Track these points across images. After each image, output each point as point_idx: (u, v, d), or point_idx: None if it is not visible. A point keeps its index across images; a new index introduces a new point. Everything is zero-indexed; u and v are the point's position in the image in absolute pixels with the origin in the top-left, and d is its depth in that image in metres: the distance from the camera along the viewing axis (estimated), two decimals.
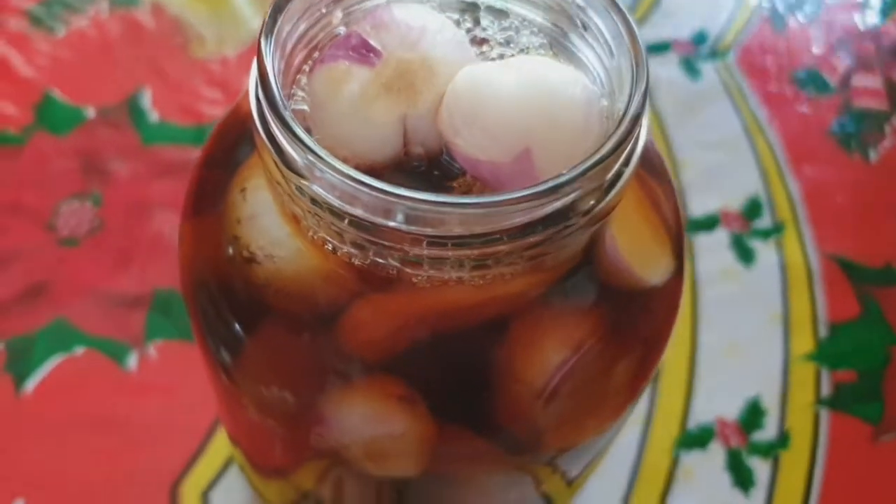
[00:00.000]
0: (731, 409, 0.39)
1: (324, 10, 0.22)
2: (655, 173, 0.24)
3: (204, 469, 0.36)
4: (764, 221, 0.44)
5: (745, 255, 0.43)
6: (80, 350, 0.38)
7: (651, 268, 0.22)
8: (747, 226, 0.44)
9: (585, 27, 0.21)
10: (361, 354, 0.21)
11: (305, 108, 0.21)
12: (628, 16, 0.20)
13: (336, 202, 0.18)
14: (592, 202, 0.19)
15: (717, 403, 0.39)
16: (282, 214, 0.20)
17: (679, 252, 0.23)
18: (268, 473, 0.29)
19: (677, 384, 0.39)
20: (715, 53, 0.50)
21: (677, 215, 0.24)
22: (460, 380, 0.21)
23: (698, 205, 0.44)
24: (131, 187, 0.42)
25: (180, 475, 0.36)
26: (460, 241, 0.18)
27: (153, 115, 0.44)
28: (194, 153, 0.40)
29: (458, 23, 0.23)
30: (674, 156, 0.45)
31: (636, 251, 0.22)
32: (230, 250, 0.22)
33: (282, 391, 0.21)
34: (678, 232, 0.23)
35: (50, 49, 0.46)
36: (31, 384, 0.37)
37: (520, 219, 0.18)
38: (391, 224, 0.18)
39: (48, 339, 0.38)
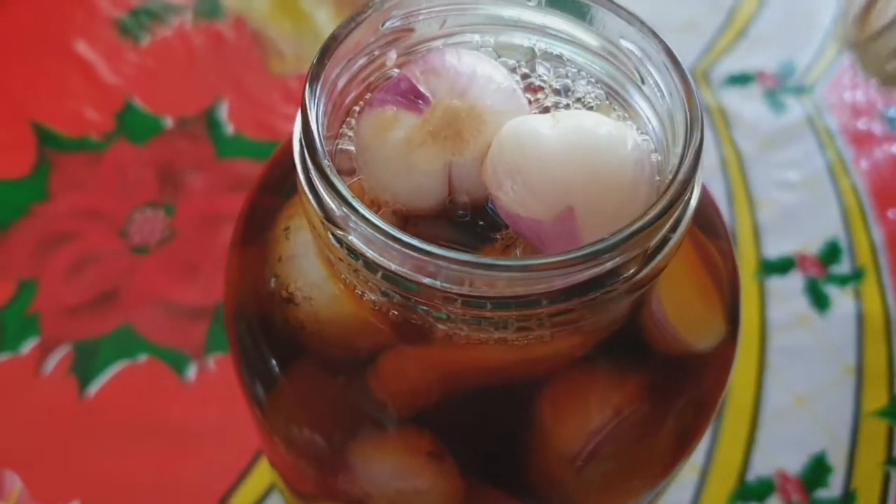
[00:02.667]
0: (793, 464, 0.37)
1: (377, 53, 0.21)
2: (711, 230, 0.23)
3: (252, 486, 0.36)
4: (842, 267, 0.42)
5: (820, 301, 0.41)
6: (143, 357, 0.39)
7: (700, 333, 0.21)
8: (824, 271, 0.42)
9: (643, 80, 0.21)
10: (392, 405, 0.20)
11: (353, 148, 0.21)
12: (686, 73, 0.20)
13: (371, 254, 0.18)
14: (634, 269, 0.18)
15: (780, 457, 0.37)
16: (320, 258, 0.20)
17: (732, 316, 0.22)
18: (303, 499, 0.29)
19: (738, 434, 0.38)
20: (801, 88, 0.48)
21: (733, 276, 0.23)
22: (492, 439, 0.20)
23: (773, 247, 0.42)
24: (203, 199, 0.42)
25: (229, 489, 0.36)
26: (494, 302, 0.18)
27: (229, 128, 0.45)
28: None
29: (513, 69, 0.22)
30: (751, 194, 0.44)
31: (684, 316, 0.21)
32: (271, 287, 0.22)
33: (311, 433, 0.21)
34: (733, 294, 0.23)
35: (134, 58, 0.47)
36: (94, 387, 0.38)
37: (557, 283, 0.18)
38: (424, 281, 0.18)
39: (114, 344, 0.39)
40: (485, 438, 0.20)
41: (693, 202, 0.19)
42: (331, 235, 0.18)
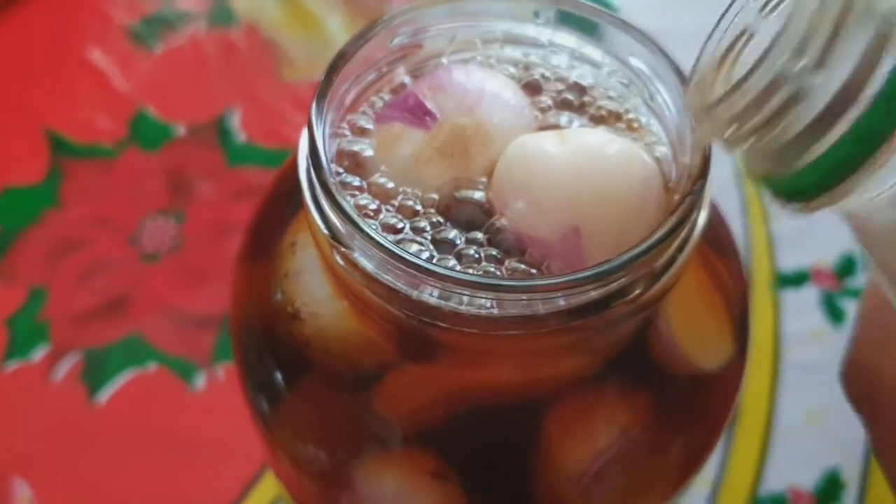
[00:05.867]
0: (806, 480, 0.37)
1: (385, 69, 0.21)
2: (720, 247, 0.23)
3: (260, 497, 0.36)
4: (858, 280, 0.41)
5: (836, 314, 0.41)
6: (152, 366, 0.39)
7: (708, 353, 0.21)
8: (839, 284, 0.41)
9: (652, 97, 0.21)
10: (397, 424, 0.20)
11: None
12: (686, 73, 0.19)
13: (373, 270, 0.18)
14: (641, 289, 0.18)
15: (793, 472, 0.37)
16: (326, 275, 0.20)
17: (741, 334, 0.22)
18: None
19: (750, 449, 0.37)
20: None
21: (742, 294, 0.23)
22: (497, 459, 0.20)
23: (788, 259, 0.42)
24: (213, 207, 0.42)
25: (236, 499, 0.36)
26: (497, 321, 0.18)
27: (240, 136, 0.45)
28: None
29: (521, 85, 0.22)
30: (765, 207, 0.43)
31: (692, 335, 0.21)
32: (277, 302, 0.22)
33: (315, 449, 0.21)
34: (742, 312, 0.22)
35: (147, 66, 0.47)
36: (103, 396, 0.38)
37: (561, 303, 0.17)
38: (425, 299, 0.18)
39: (123, 352, 0.39)
40: (490, 458, 0.20)
41: (701, 221, 0.19)
42: (335, 253, 0.18)
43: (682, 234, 0.18)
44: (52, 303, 0.40)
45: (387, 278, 0.18)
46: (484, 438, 0.20)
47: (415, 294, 0.18)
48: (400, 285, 0.18)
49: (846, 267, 0.42)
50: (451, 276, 0.17)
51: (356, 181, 0.20)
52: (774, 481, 0.37)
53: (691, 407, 0.21)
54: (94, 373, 0.39)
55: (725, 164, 0.45)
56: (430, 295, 0.18)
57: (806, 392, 0.39)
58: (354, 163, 0.20)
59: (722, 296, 0.22)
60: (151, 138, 0.45)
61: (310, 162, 0.18)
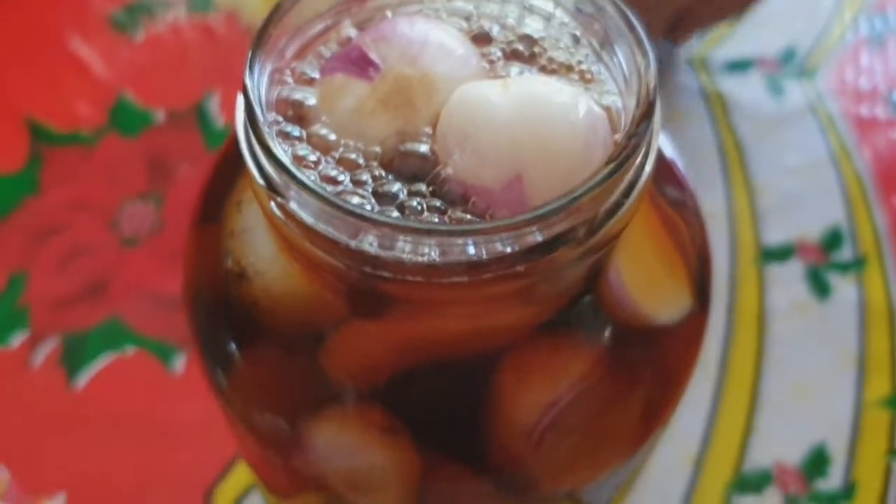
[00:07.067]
0: (792, 454, 0.36)
1: (331, 22, 0.21)
2: (680, 204, 0.22)
3: (238, 477, 0.36)
4: (844, 254, 0.41)
5: (821, 288, 0.40)
6: (130, 350, 0.39)
7: (662, 305, 0.21)
8: (825, 258, 0.41)
9: (602, 45, 0.20)
10: (345, 380, 0.20)
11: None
12: (643, 35, 0.19)
13: (311, 221, 0.17)
14: (585, 233, 0.17)
15: (778, 447, 0.36)
16: (269, 230, 0.20)
17: (700, 290, 0.21)
18: (278, 494, 0.28)
19: (735, 424, 0.37)
20: (802, 73, 0.47)
21: (704, 251, 0.22)
22: (447, 413, 0.20)
23: (774, 233, 0.41)
24: (192, 190, 0.42)
25: (215, 480, 0.36)
26: (440, 269, 0.17)
27: (219, 121, 0.44)
28: None
29: (469, 35, 0.21)
30: (750, 180, 0.43)
31: (644, 286, 0.20)
32: (224, 264, 0.21)
33: (265, 414, 0.21)
34: (702, 268, 0.22)
35: (127, 53, 0.47)
36: (82, 380, 0.38)
37: (504, 248, 0.17)
38: (365, 248, 0.17)
39: (102, 336, 0.39)
40: (441, 413, 0.20)
41: (648, 168, 0.18)
42: (273, 205, 0.18)
43: (628, 179, 0.18)
44: (31, 288, 0.40)
45: (326, 229, 0.17)
46: (434, 393, 0.20)
47: (354, 244, 0.17)
48: (339, 236, 0.17)
49: (832, 241, 0.41)
50: (388, 223, 0.17)
51: (296, 131, 0.19)
52: (760, 456, 0.36)
53: (647, 360, 0.20)
54: (73, 357, 0.39)
55: (708, 139, 0.44)
56: (370, 245, 0.17)
57: (792, 366, 0.38)
58: (296, 113, 0.20)
59: (679, 251, 0.21)
60: (131, 125, 0.45)
61: (245, 112, 0.18)
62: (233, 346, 0.22)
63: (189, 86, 0.46)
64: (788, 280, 0.40)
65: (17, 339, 0.39)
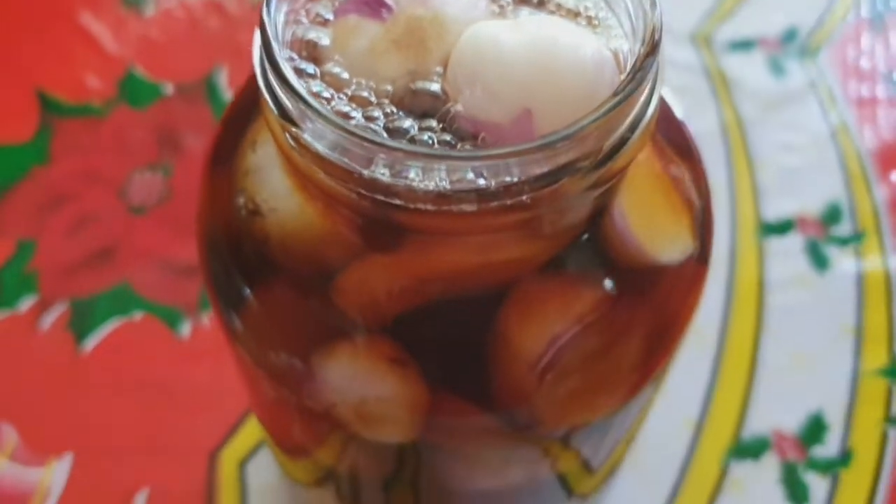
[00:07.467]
0: (790, 422, 0.37)
1: None
2: (684, 153, 0.23)
3: (243, 440, 0.36)
4: (843, 228, 0.41)
5: (820, 261, 0.41)
6: (138, 315, 0.39)
7: (664, 245, 0.21)
8: (824, 232, 0.41)
9: None
10: (356, 315, 0.20)
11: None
12: None
13: (324, 151, 0.18)
14: (591, 165, 0.18)
15: (776, 415, 0.37)
16: (284, 166, 0.20)
17: (702, 234, 0.22)
18: (288, 450, 0.29)
19: (734, 391, 0.37)
20: (804, 52, 0.47)
21: (705, 198, 0.23)
22: (454, 346, 0.20)
23: (773, 208, 0.42)
24: (200, 160, 0.43)
25: (220, 443, 0.36)
26: (450, 196, 0.18)
27: (228, 94, 0.45)
28: None
29: None
30: (751, 157, 0.43)
31: (647, 226, 0.21)
32: (238, 203, 0.22)
33: (278, 351, 0.21)
34: (704, 215, 0.22)
35: (137, 27, 0.47)
36: (90, 344, 0.39)
37: (511, 178, 0.18)
38: (378, 176, 0.18)
39: (110, 302, 0.39)
40: (448, 345, 0.20)
41: (652, 105, 0.19)
42: (287, 136, 0.18)
43: (633, 114, 0.18)
44: (39, 255, 0.41)
45: (340, 158, 0.18)
46: (442, 326, 0.20)
47: (367, 173, 0.18)
48: (353, 165, 0.18)
49: (832, 215, 0.42)
50: (401, 148, 0.17)
51: (310, 69, 0.20)
52: (758, 423, 0.37)
53: (648, 301, 0.21)
54: (81, 322, 0.39)
55: (710, 117, 0.45)
56: (382, 173, 0.18)
57: (791, 336, 0.39)
58: (311, 53, 0.20)
59: (681, 194, 0.22)
60: (140, 97, 0.45)
61: (262, 45, 0.18)
62: (245, 285, 0.22)
63: (198, 60, 0.46)
64: (788, 253, 0.41)
65: (26, 304, 0.39)
